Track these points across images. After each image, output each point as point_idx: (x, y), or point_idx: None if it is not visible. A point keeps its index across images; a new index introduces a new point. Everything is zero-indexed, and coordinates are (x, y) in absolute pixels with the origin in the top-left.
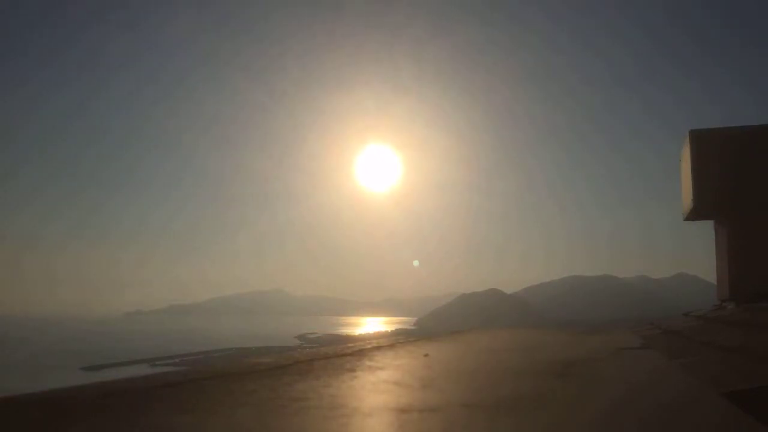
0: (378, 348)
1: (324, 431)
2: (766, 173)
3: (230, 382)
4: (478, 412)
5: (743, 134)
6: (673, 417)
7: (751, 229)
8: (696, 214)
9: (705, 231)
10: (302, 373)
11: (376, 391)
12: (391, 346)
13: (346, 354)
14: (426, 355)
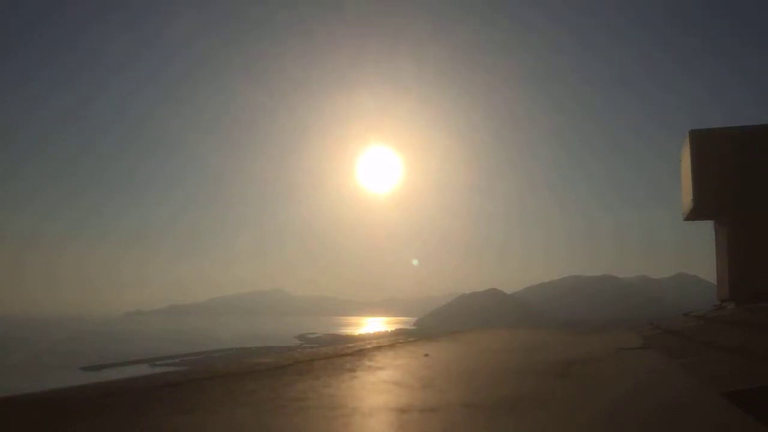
0: (378, 348)
1: (324, 431)
2: (766, 173)
3: (230, 382)
4: (479, 412)
5: (743, 134)
6: (673, 417)
7: (751, 229)
8: (696, 214)
9: (705, 231)
10: (302, 373)
11: (376, 391)
12: (391, 346)
13: (346, 354)
14: (426, 355)
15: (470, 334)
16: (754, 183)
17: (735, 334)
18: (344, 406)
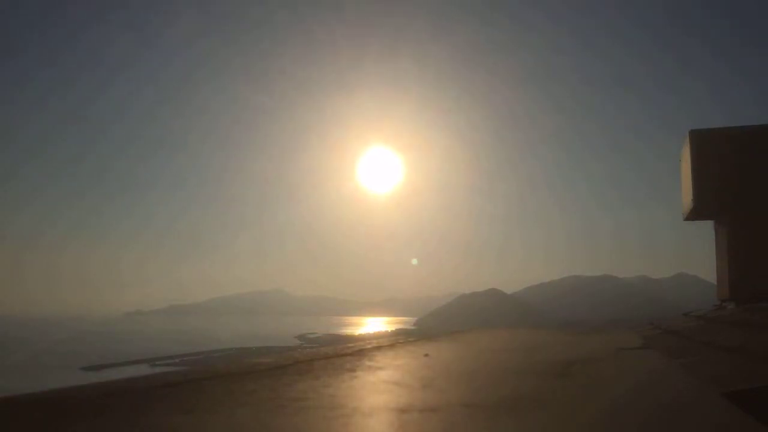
0: (378, 348)
1: (324, 431)
2: (766, 173)
3: (230, 382)
4: (479, 412)
5: (743, 134)
6: (673, 417)
7: (751, 229)
8: (696, 214)
9: (705, 231)
10: (302, 373)
11: (376, 391)
12: (391, 346)
13: (346, 354)
14: (426, 355)
15: (470, 334)
16: (754, 183)
17: (735, 334)
18: (344, 406)
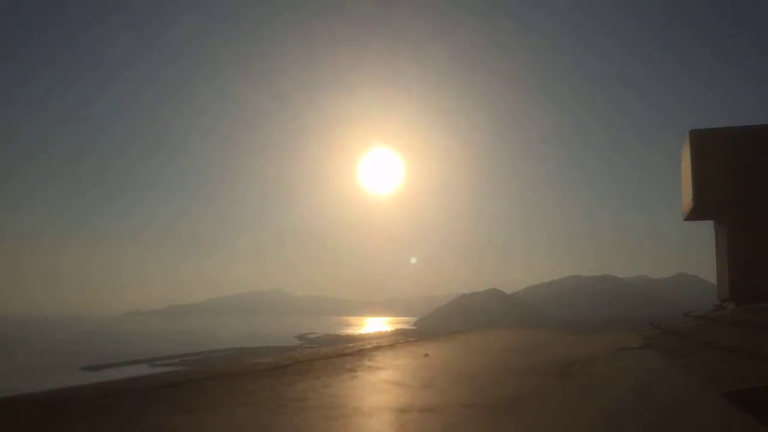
0: (378, 348)
1: (324, 431)
2: (766, 173)
3: (230, 382)
4: (479, 412)
5: (743, 134)
6: (673, 417)
7: (751, 229)
8: (696, 214)
9: (705, 231)
10: (302, 373)
11: (376, 391)
12: (391, 346)
13: (346, 354)
14: (426, 356)
15: (470, 334)
16: (754, 183)
17: (735, 334)
18: (344, 406)
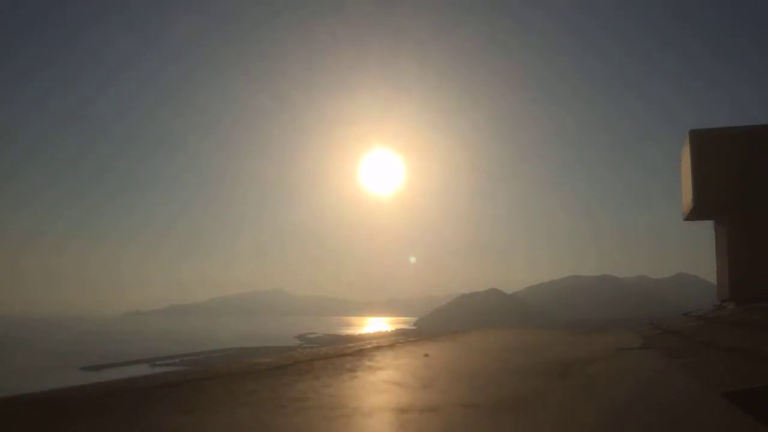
0: (378, 348)
1: (324, 431)
2: (766, 173)
3: (230, 382)
4: (479, 412)
5: (743, 134)
6: (673, 417)
7: (751, 229)
8: (696, 214)
9: (705, 231)
10: (302, 373)
11: (376, 391)
12: (391, 346)
13: (346, 354)
14: (426, 356)
15: (470, 335)
16: (754, 183)
17: (735, 334)
18: (344, 406)
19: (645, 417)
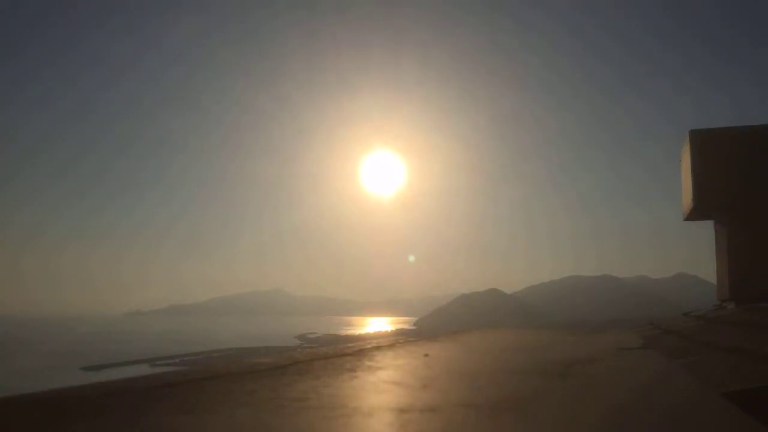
0: (378, 348)
1: (324, 431)
2: (766, 173)
3: (230, 382)
4: (479, 412)
5: (743, 134)
6: (673, 417)
7: (751, 229)
8: (696, 214)
9: (705, 231)
10: (302, 373)
11: (376, 391)
12: (391, 346)
13: (346, 354)
14: (426, 356)
15: (470, 335)
16: (754, 183)
17: (735, 334)
18: (344, 406)
19: (645, 417)
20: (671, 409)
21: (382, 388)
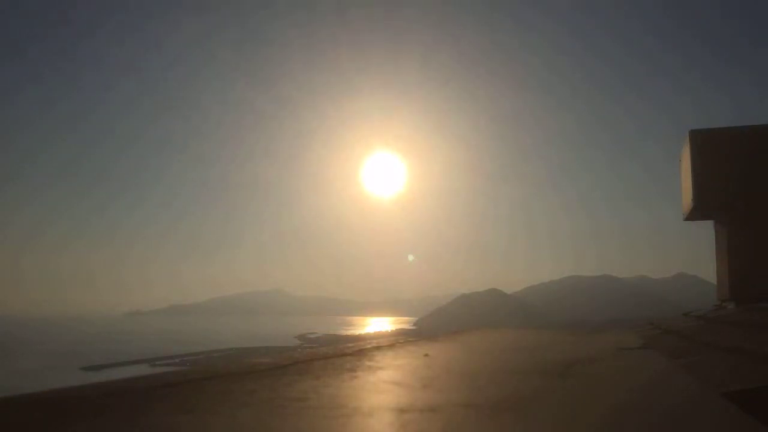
0: (378, 348)
1: (324, 431)
2: (766, 173)
3: (230, 382)
4: (479, 412)
5: (743, 134)
6: (673, 417)
7: (751, 229)
8: (696, 214)
9: (705, 231)
10: (302, 373)
11: (376, 391)
12: (391, 346)
13: (346, 354)
14: (426, 355)
15: (470, 335)
16: (755, 183)
17: (735, 334)
18: (344, 406)
19: (645, 417)
20: (671, 409)
21: (382, 388)
